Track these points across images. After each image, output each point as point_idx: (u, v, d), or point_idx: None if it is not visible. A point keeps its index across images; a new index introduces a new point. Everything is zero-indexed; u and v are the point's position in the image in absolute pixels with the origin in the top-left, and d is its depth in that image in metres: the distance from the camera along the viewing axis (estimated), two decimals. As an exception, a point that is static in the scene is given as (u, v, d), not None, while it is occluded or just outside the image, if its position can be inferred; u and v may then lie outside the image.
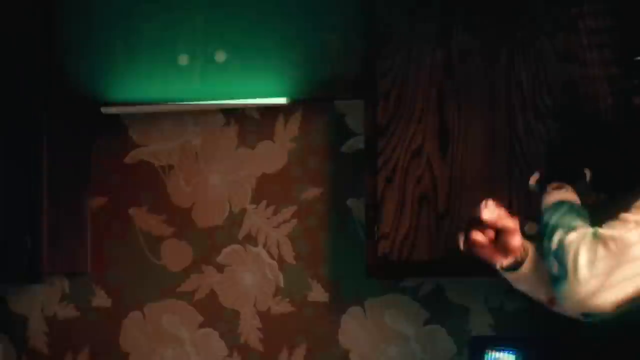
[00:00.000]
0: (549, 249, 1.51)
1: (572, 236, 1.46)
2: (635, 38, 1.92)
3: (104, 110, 2.70)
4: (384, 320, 2.48)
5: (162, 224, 2.71)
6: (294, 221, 2.60)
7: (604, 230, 1.44)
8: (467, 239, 1.63)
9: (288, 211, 2.61)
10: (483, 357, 2.16)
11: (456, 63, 2.15)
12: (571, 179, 1.66)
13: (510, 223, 1.62)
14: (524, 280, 1.72)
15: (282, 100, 2.59)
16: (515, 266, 1.67)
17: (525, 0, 2.12)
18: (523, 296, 1.89)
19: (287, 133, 2.63)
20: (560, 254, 1.46)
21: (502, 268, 1.69)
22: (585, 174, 1.68)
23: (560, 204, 1.58)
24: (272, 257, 2.61)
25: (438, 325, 2.43)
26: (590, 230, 1.47)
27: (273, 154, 2.64)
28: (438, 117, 2.15)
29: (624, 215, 1.46)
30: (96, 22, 2.71)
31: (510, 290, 2.28)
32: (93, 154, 2.78)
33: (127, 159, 2.76)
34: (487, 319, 2.38)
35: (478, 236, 1.61)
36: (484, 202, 1.61)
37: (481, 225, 1.61)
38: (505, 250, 1.64)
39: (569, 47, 2.05)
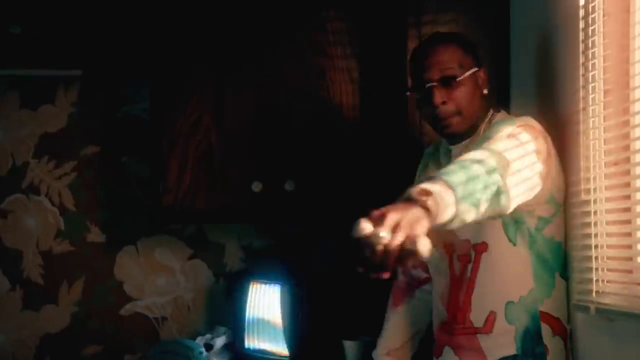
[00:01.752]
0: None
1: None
2: (371, 39, 2.62)
3: None
4: (155, 256, 3.02)
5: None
6: (74, 174, 3.02)
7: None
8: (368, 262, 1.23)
9: (69, 165, 3.01)
10: (247, 289, 2.69)
11: (231, 51, 2.68)
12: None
13: (393, 220, 1.22)
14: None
15: (64, 72, 2.97)
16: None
17: (287, 3, 2.68)
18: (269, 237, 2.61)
19: (68, 99, 3.02)
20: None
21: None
22: None
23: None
24: (53, 204, 3.00)
25: (199, 260, 3.05)
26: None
27: (54, 116, 3.02)
28: (215, 95, 2.68)
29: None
30: None
31: (258, 230, 3.00)
32: None
33: None
34: (240, 254, 3.04)
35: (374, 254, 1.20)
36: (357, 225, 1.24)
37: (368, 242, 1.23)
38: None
39: (318, 43, 2.66)
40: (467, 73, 1.84)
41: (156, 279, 3.03)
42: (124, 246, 3.03)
